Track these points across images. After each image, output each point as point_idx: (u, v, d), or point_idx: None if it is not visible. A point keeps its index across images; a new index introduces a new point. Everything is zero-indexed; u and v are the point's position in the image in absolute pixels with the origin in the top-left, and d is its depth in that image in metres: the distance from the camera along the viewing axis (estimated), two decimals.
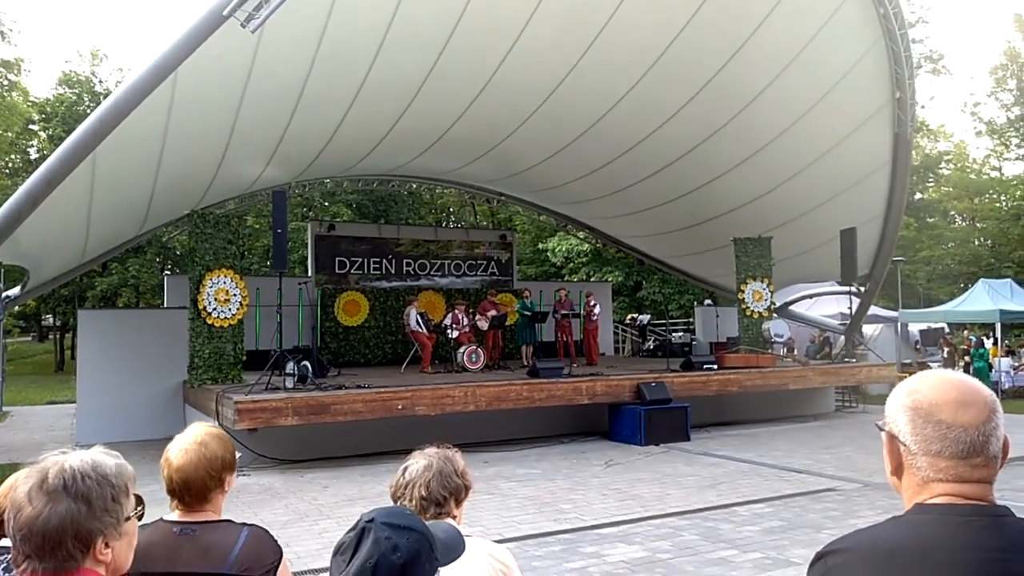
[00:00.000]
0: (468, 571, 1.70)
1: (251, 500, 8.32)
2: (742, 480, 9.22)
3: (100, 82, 34.36)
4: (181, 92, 9.13)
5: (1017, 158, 37.26)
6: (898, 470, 1.34)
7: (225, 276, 12.25)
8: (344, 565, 1.26)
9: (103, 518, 1.32)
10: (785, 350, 16.90)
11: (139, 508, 1.43)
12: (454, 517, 2.05)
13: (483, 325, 14.86)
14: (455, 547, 1.43)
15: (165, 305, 17.43)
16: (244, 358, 12.65)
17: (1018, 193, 35.03)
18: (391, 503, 2.10)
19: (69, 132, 10.50)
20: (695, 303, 24.66)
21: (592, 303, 15.97)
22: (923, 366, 16.35)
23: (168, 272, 30.43)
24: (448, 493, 2.05)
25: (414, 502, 2.02)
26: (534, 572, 5.77)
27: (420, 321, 14.42)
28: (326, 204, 30.71)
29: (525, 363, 14.84)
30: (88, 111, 23.69)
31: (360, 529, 1.29)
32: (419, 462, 2.08)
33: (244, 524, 2.03)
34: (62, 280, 16.33)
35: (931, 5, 64.92)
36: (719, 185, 15.58)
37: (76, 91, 33.49)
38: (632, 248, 21.53)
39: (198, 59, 8.47)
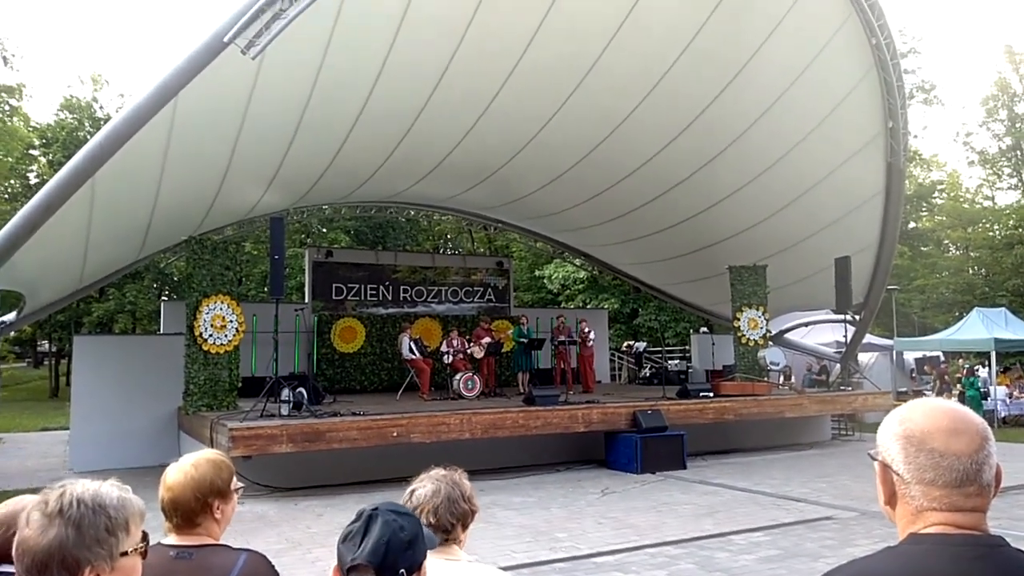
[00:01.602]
0: None
1: (244, 528, 8.24)
2: (739, 508, 9.17)
3: (101, 107, 34.55)
4: (181, 118, 9.20)
5: (1009, 187, 37.56)
6: (892, 499, 1.34)
7: (222, 302, 12.24)
8: (356, 548, 1.42)
9: (93, 548, 1.32)
10: (781, 378, 16.89)
11: (142, 544, 1.41)
12: (460, 542, 2.03)
13: (478, 353, 14.84)
14: (433, 540, 1.62)
15: (161, 331, 17.39)
16: (239, 385, 12.60)
17: (1011, 222, 35.24)
18: None
19: (69, 157, 10.56)
20: (691, 331, 24.70)
21: (586, 329, 15.96)
22: (918, 394, 16.36)
23: (165, 298, 30.38)
24: (456, 519, 2.01)
25: None
26: None
27: (414, 348, 14.40)
28: (324, 230, 30.78)
29: (521, 390, 14.80)
30: (88, 136, 23.80)
31: (367, 516, 1.46)
32: (426, 486, 2.03)
33: (242, 549, 2.03)
34: (58, 306, 16.30)
35: (923, 36, 65.86)
36: (715, 213, 15.68)
37: (77, 116, 33.66)
38: (628, 275, 21.60)
39: (198, 85, 8.55)
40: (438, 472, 2.08)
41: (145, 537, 1.43)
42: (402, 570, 1.44)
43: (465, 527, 2.04)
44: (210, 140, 10.78)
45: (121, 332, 30.32)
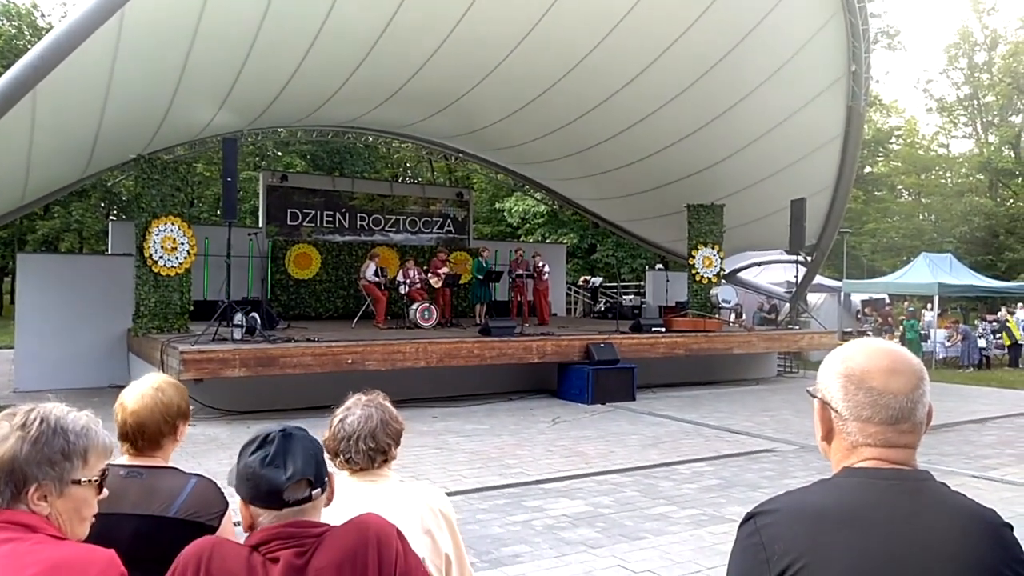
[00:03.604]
0: (399, 517, 1.72)
1: (196, 450, 8.26)
2: (684, 440, 9.46)
3: (42, 15, 32.70)
4: (128, 30, 8.78)
5: (964, 136, 38.25)
6: (829, 435, 1.38)
7: (172, 224, 11.96)
8: (283, 467, 1.48)
9: (43, 466, 1.33)
10: (732, 316, 17.25)
11: (96, 479, 1.41)
12: (393, 458, 2.11)
13: (436, 283, 14.83)
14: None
15: (110, 251, 16.97)
16: (191, 308, 12.44)
17: (963, 171, 36.03)
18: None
19: (7, 67, 10.03)
20: (647, 267, 24.96)
21: (540, 263, 16.00)
22: (861, 335, 16.89)
23: (113, 218, 29.55)
24: (391, 439, 2.09)
25: (360, 454, 2.03)
26: (478, 524, 5.87)
27: (378, 273, 14.30)
28: (279, 154, 30.04)
29: (478, 321, 14.89)
30: (29, 46, 22.63)
31: (282, 437, 1.53)
32: (355, 413, 2.08)
33: (192, 474, 2.04)
34: (0, 222, 15.75)
35: None
36: (675, 151, 15.67)
37: (15, 24, 31.84)
38: (588, 211, 21.62)
39: None
40: (361, 398, 2.13)
41: (104, 472, 1.44)
42: (326, 477, 1.55)
43: (398, 445, 2.12)
44: (159, 55, 10.31)
45: (67, 251, 29.50)
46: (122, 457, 2.02)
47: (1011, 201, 34.25)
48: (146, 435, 2.02)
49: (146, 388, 2.07)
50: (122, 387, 2.14)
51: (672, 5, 11.93)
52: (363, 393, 2.16)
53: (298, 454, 1.51)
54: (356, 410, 2.08)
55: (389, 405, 2.14)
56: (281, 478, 1.47)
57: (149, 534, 1.88)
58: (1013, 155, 33.69)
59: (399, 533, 1.59)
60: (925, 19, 57.66)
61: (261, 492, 1.49)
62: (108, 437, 1.46)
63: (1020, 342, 19.79)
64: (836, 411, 1.35)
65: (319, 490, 1.52)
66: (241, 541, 1.55)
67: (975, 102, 36.21)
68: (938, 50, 50.75)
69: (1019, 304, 21.59)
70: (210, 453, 8.24)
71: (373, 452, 2.04)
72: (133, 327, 12.29)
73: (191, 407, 2.19)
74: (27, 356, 13.22)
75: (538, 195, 23.05)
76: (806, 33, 13.15)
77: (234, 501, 2.06)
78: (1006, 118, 35.27)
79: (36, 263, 14.69)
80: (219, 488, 2.04)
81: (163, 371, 9.71)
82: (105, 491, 1.45)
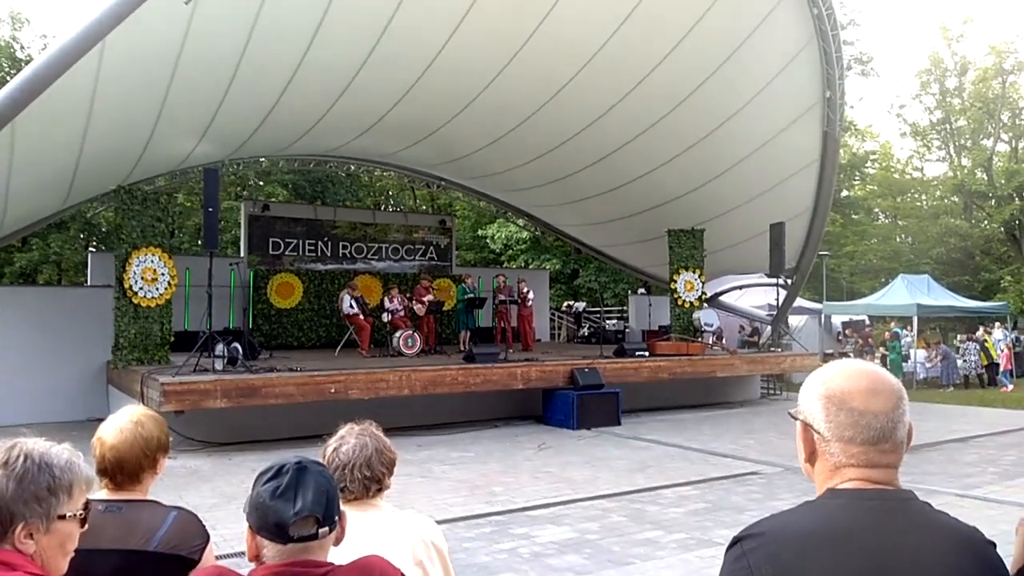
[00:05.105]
0: (390, 550, 1.71)
1: (177, 483, 8.14)
2: (669, 464, 9.44)
3: (21, 48, 32.62)
4: (109, 63, 8.79)
5: (938, 159, 38.82)
6: (812, 457, 1.39)
7: (153, 255, 11.88)
8: (293, 501, 1.43)
9: (30, 504, 1.31)
10: (714, 339, 17.33)
11: (80, 512, 1.40)
12: (387, 487, 2.10)
13: (420, 310, 14.79)
14: None
15: (89, 283, 16.81)
16: (172, 339, 12.32)
17: (937, 193, 36.60)
18: None
19: None
20: (629, 292, 25.05)
21: (525, 289, 16.05)
22: (844, 356, 16.99)
23: (93, 249, 29.28)
24: (386, 468, 2.08)
25: (356, 483, 2.02)
26: (465, 553, 5.81)
27: (354, 305, 14.27)
28: (261, 184, 29.93)
29: (462, 348, 14.85)
30: (8, 78, 22.56)
31: (296, 470, 1.48)
32: (349, 442, 2.07)
33: (172, 507, 2.02)
34: None
35: (863, 8, 66.91)
36: (655, 177, 15.81)
37: None
38: (570, 237, 21.72)
39: (128, 29, 8.17)
40: (354, 427, 2.13)
41: (87, 506, 1.42)
42: (336, 516, 1.50)
43: (391, 474, 2.11)
44: (140, 87, 10.32)
45: (46, 283, 29.17)
46: (101, 492, 2.00)
47: (985, 223, 34.75)
48: (125, 469, 1.99)
49: (124, 421, 2.03)
50: (101, 420, 2.11)
51: (649, 35, 12.10)
52: (355, 423, 2.16)
53: (309, 489, 1.45)
54: (350, 439, 2.08)
55: (382, 435, 2.14)
56: (289, 512, 1.42)
57: (129, 569, 1.85)
58: (986, 178, 34.23)
59: None
60: (897, 46, 58.86)
61: (268, 523, 1.44)
62: (90, 470, 1.44)
63: (996, 361, 19.99)
64: (818, 432, 1.36)
65: (327, 528, 1.47)
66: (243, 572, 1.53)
67: (947, 126, 36.81)
68: (910, 76, 51.77)
69: (996, 324, 21.85)
70: (191, 486, 8.13)
71: (368, 481, 2.03)
72: (113, 359, 12.15)
73: (171, 439, 2.16)
74: (5, 389, 12.99)
75: (520, 221, 23.12)
76: (781, 61, 13.38)
77: (214, 533, 2.05)
78: (978, 142, 35.86)
79: (13, 295, 14.51)
80: (200, 521, 2.02)
81: (143, 403, 9.59)
82: (87, 525, 1.43)
